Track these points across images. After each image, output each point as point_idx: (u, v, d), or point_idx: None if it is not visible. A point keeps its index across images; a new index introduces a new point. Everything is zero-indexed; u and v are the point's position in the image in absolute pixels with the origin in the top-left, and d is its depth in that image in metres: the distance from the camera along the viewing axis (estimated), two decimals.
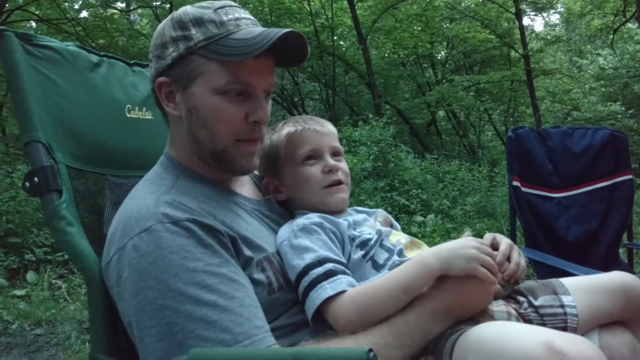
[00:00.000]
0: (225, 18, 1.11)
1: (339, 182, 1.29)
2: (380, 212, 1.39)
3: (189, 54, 1.10)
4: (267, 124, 1.19)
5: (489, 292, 1.07)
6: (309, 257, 1.12)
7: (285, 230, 1.21)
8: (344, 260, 1.15)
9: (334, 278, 1.09)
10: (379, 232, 1.24)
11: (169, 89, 1.15)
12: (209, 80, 1.10)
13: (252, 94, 1.13)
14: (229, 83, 1.09)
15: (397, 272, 1.08)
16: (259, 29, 1.10)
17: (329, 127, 1.35)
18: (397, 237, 1.26)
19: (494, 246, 1.16)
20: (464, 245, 1.04)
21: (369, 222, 1.30)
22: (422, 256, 1.07)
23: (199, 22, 1.10)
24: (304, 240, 1.15)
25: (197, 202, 1.09)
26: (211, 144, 1.14)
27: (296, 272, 1.12)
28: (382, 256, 1.19)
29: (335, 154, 1.32)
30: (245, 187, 1.30)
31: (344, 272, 1.11)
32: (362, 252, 1.19)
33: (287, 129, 1.32)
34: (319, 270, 1.10)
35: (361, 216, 1.31)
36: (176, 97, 1.14)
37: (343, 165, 1.33)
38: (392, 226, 1.37)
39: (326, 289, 1.07)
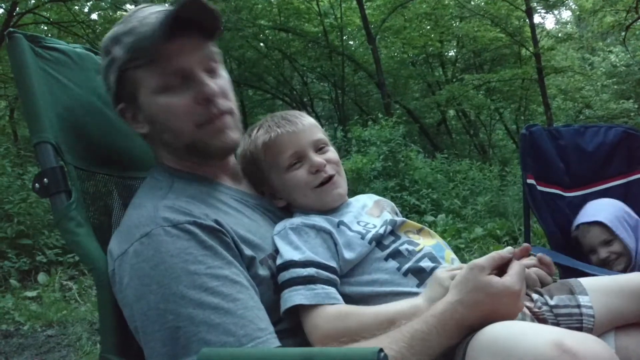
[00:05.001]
0: (131, 25, 1.13)
1: (330, 177, 1.25)
2: (384, 202, 1.37)
3: (122, 73, 1.13)
4: (221, 96, 1.15)
5: (518, 308, 1.02)
6: (295, 254, 1.11)
7: (279, 225, 1.20)
8: (332, 264, 1.13)
9: (312, 286, 1.07)
10: (391, 223, 1.23)
11: (130, 113, 1.17)
12: (146, 86, 1.12)
13: (190, 77, 1.12)
14: (162, 77, 1.11)
15: (389, 305, 1.08)
16: (162, 10, 1.11)
17: (304, 122, 1.28)
18: (408, 228, 1.26)
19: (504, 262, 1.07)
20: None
21: (368, 208, 1.29)
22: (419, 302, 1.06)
23: (115, 40, 1.14)
24: (294, 239, 1.15)
25: (197, 202, 1.09)
26: (179, 142, 1.15)
27: (278, 262, 1.12)
28: (387, 240, 1.19)
29: (318, 148, 1.27)
30: (243, 182, 1.29)
31: (326, 282, 1.09)
32: (374, 244, 1.18)
33: (261, 137, 1.26)
34: (300, 271, 1.09)
35: (359, 205, 1.30)
36: (138, 116, 1.17)
37: (329, 155, 1.27)
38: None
39: (300, 295, 1.06)
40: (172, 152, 1.19)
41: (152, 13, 1.13)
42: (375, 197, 1.37)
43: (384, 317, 1.04)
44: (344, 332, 1.01)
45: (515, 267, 1.02)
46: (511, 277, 1.00)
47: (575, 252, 2.35)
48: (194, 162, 1.19)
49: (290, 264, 1.10)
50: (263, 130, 1.27)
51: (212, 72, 1.15)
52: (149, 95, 1.12)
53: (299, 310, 1.08)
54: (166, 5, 1.17)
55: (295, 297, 1.06)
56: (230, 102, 1.18)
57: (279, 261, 1.12)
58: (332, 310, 1.06)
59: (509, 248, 1.07)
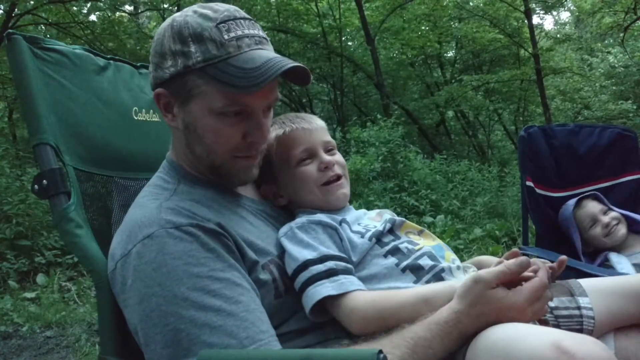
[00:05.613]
0: (226, 37, 1.05)
1: (338, 177, 1.28)
2: (385, 211, 1.39)
3: (186, 72, 1.07)
4: (265, 140, 1.18)
5: (524, 320, 1.00)
6: (309, 253, 1.12)
7: (285, 227, 1.21)
8: (345, 256, 1.14)
9: (335, 278, 1.09)
10: (391, 221, 1.24)
11: (167, 100, 1.13)
12: (206, 101, 1.08)
13: (250, 114, 1.11)
14: (227, 106, 1.08)
15: (423, 285, 1.08)
16: (261, 56, 1.06)
17: (317, 122, 1.33)
18: (408, 229, 1.27)
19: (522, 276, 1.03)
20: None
21: (370, 215, 1.31)
22: (454, 282, 1.06)
23: (198, 38, 1.05)
24: (303, 237, 1.15)
25: (200, 206, 1.09)
26: (207, 160, 1.14)
27: (294, 266, 1.11)
28: (387, 238, 1.21)
29: (328, 149, 1.31)
30: (247, 187, 1.29)
31: (345, 272, 1.11)
32: (374, 241, 1.19)
33: (274, 132, 1.29)
34: (320, 267, 1.10)
35: (361, 211, 1.32)
36: (174, 109, 1.13)
37: (338, 158, 1.32)
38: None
39: (326, 287, 1.07)
40: (191, 158, 1.17)
41: (248, 37, 1.08)
42: (377, 210, 1.39)
43: (418, 295, 1.04)
44: (381, 312, 1.04)
45: (532, 284, 1.00)
46: (519, 293, 0.98)
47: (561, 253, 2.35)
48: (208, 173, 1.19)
49: (308, 263, 1.11)
50: (277, 126, 1.30)
51: (267, 111, 1.16)
52: (204, 109, 1.08)
53: (327, 304, 1.08)
54: (260, 33, 1.11)
55: (322, 290, 1.07)
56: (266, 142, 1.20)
57: (293, 265, 1.12)
58: (362, 294, 1.07)
59: (524, 258, 1.03)
